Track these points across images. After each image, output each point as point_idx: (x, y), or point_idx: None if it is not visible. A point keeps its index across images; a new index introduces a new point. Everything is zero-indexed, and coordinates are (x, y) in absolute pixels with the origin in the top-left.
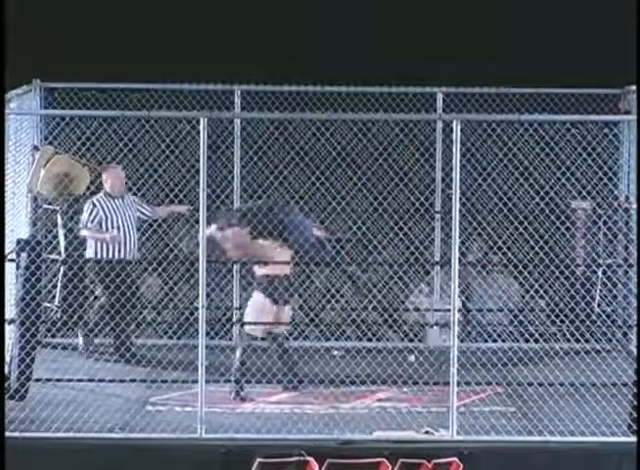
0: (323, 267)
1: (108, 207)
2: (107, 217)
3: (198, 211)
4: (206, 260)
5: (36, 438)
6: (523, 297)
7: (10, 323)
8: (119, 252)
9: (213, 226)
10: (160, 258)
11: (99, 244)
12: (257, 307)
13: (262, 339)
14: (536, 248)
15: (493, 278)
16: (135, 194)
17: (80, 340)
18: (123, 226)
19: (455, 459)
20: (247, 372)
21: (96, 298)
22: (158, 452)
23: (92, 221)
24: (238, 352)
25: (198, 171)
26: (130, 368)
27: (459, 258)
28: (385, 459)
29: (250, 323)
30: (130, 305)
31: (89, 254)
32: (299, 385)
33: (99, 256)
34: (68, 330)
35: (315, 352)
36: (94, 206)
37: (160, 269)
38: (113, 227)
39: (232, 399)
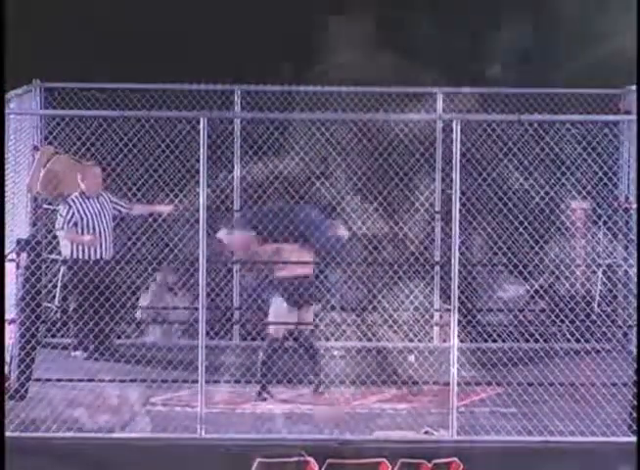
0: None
1: (83, 207)
2: (82, 218)
3: (197, 210)
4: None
5: (36, 438)
6: (522, 296)
7: (10, 323)
8: (95, 252)
9: (223, 230)
10: (161, 258)
11: (74, 244)
12: (278, 310)
13: (286, 338)
14: (536, 248)
15: (493, 278)
16: (135, 194)
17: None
18: (99, 227)
19: (455, 459)
20: (268, 372)
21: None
22: (158, 452)
23: (68, 223)
24: (260, 353)
25: (198, 171)
26: (130, 368)
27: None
28: (385, 459)
29: (271, 324)
30: (109, 304)
31: (65, 253)
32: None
33: (74, 256)
34: (67, 330)
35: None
36: (70, 207)
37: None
38: (89, 228)
39: (254, 399)
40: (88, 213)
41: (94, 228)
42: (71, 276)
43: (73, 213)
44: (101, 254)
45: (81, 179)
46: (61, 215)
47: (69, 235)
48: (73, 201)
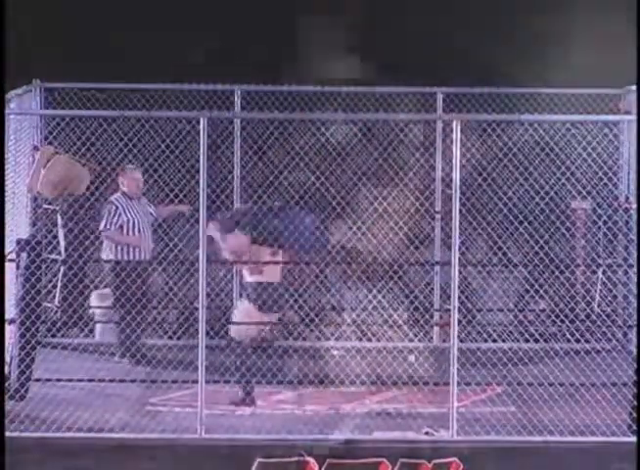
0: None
1: (128, 208)
2: (128, 220)
3: (198, 210)
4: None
5: (36, 438)
6: (522, 297)
7: (10, 323)
8: (139, 253)
9: (213, 226)
10: (160, 258)
11: (119, 247)
12: (244, 315)
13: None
14: (536, 248)
15: (493, 278)
16: (144, 194)
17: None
18: (142, 228)
19: (455, 459)
20: (247, 373)
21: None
22: (158, 452)
23: (115, 224)
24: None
25: (198, 171)
26: (130, 368)
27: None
28: (385, 459)
29: (236, 324)
30: (151, 305)
31: (106, 256)
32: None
33: (119, 258)
34: (67, 330)
35: (315, 352)
36: (115, 208)
37: (160, 269)
38: (134, 229)
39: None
40: (133, 215)
41: (139, 229)
42: (114, 277)
43: (120, 215)
44: (144, 255)
45: (122, 181)
46: (106, 216)
47: (116, 236)
48: (118, 201)
